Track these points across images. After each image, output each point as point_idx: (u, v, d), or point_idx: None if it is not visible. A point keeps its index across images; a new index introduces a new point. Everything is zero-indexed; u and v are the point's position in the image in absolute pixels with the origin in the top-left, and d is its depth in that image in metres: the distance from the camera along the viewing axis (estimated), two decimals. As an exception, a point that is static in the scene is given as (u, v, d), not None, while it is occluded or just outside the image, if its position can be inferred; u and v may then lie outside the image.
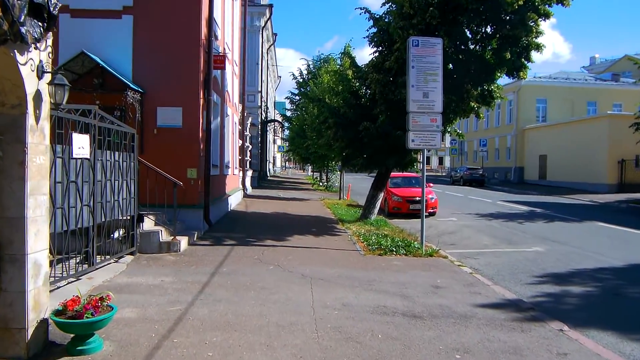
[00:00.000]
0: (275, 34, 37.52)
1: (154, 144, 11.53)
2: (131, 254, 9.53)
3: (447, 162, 69.01)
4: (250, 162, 28.44)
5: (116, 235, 8.83)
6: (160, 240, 9.91)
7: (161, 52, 11.59)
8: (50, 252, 6.66)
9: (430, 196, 19.14)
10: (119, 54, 11.45)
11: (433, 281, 8.48)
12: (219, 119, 14.35)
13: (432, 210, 19.05)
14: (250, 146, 27.13)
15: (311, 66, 38.08)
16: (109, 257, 8.70)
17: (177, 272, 8.48)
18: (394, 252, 10.76)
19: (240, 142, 21.35)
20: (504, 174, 49.62)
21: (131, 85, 10.89)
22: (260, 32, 31.58)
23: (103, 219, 8.11)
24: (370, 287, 7.92)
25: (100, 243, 8.10)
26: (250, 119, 26.15)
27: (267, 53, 37.70)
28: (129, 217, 9.36)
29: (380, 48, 14.38)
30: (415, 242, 11.57)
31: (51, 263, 6.63)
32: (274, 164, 62.87)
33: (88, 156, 7.38)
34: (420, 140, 11.20)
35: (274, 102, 57.45)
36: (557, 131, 41.40)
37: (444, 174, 61.77)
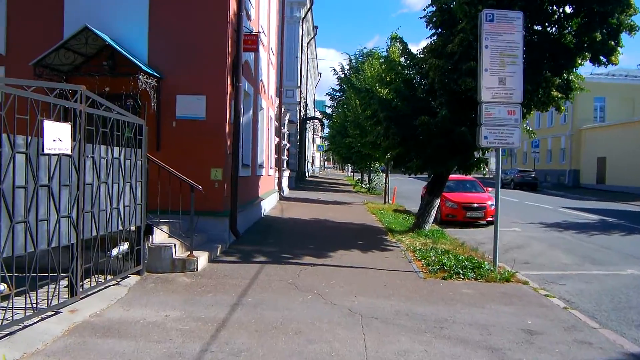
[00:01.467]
0: (316, 27, 35.62)
1: (172, 139, 9.75)
2: (137, 273, 7.73)
3: (492, 163, 65.66)
4: (287, 161, 26.62)
5: (115, 252, 7.02)
6: (174, 256, 8.07)
7: (182, 30, 9.80)
8: (9, 283, 4.90)
9: (489, 202, 16.86)
10: (132, 32, 9.71)
11: (522, 322, 6.34)
12: (251, 112, 12.50)
13: (491, 219, 16.73)
14: (288, 144, 25.29)
15: (353, 61, 36.10)
16: (109, 277, 6.94)
17: (188, 301, 6.59)
18: (461, 276, 8.64)
19: (277, 139, 19.50)
20: (557, 177, 46.40)
21: (145, 69, 9.12)
22: (300, 24, 29.73)
23: (94, 233, 6.31)
24: (442, 331, 5.84)
25: (90, 264, 6.29)
26: (288, 116, 24.33)
27: (307, 47, 35.86)
28: (134, 228, 7.57)
29: (440, 30, 12.22)
30: (485, 262, 9.39)
31: (7, 297, 4.85)
32: (312, 163, 61.06)
33: (69, 152, 5.57)
34: (494, 137, 9.03)
35: (314, 99, 55.58)
36: (619, 131, 38.14)
37: (490, 176, 58.52)
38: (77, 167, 5.77)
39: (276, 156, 19.44)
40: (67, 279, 5.93)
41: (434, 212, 13.23)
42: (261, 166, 14.62)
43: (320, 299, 6.91)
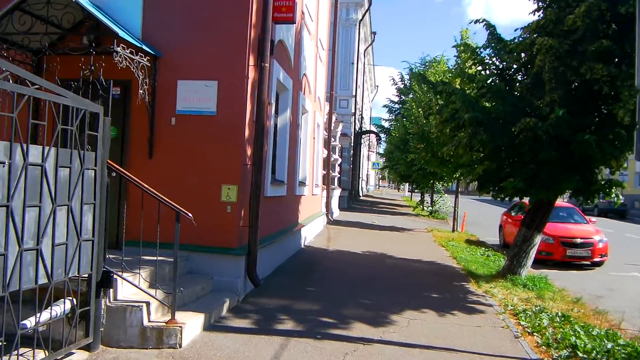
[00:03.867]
0: (374, 33, 32.60)
1: (170, 142, 6.89)
2: (86, 348, 4.83)
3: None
4: (339, 179, 23.56)
5: (30, 324, 4.12)
6: (145, 322, 5.09)
7: (188, -8, 7.01)
8: None
9: (597, 238, 13.10)
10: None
11: None
12: (288, 111, 9.50)
13: (600, 259, 12.98)
14: (340, 159, 22.24)
15: (415, 70, 32.91)
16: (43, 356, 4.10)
17: None
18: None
19: (326, 152, 16.45)
20: (647, 204, 40.99)
21: (131, 40, 6.31)
22: (357, 27, 26.78)
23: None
24: None
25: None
26: (340, 127, 21.32)
27: (364, 55, 32.89)
28: (84, 277, 4.70)
29: (548, 3, 8.94)
30: None
31: None
32: (367, 182, 57.69)
33: None
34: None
35: (370, 115, 52.37)
36: None
37: (565, 200, 52.96)
38: None
39: (324, 172, 16.37)
40: None
41: (533, 252, 9.72)
42: (303, 183, 11.58)
43: None
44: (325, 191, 16.42)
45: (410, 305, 7.21)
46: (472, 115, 8.53)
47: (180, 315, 5.28)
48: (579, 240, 12.80)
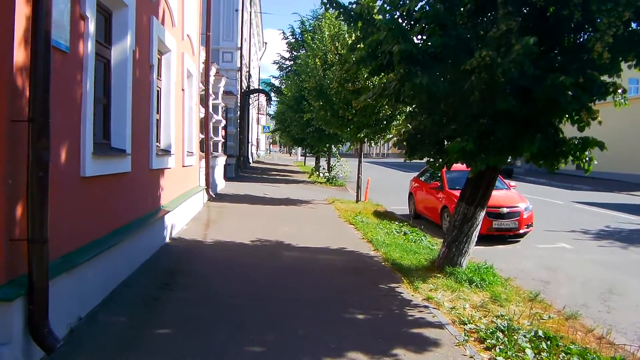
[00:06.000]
0: (261, -21, 29.10)
1: None
2: None
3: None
4: (224, 144, 20.28)
5: None
6: None
7: None
8: None
9: (523, 205, 11.27)
10: None
11: None
12: (129, 41, 6.14)
13: (526, 230, 11.21)
14: (224, 121, 18.91)
15: (306, 24, 30.11)
16: None
17: None
18: None
19: (203, 111, 13.07)
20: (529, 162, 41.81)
21: None
22: (241, -32, 23.19)
23: None
24: None
25: None
26: (223, 82, 17.92)
27: (251, 5, 29.32)
28: None
29: None
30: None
31: None
32: (257, 147, 54.43)
33: None
34: None
35: (259, 76, 48.69)
36: (605, 110, 33.56)
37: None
38: None
39: (202, 136, 13.06)
40: None
41: (476, 235, 7.41)
42: (166, 152, 8.33)
43: None
44: (204, 160, 13.13)
45: (326, 347, 4.43)
46: (404, 48, 5.80)
47: None
48: (505, 210, 10.91)
